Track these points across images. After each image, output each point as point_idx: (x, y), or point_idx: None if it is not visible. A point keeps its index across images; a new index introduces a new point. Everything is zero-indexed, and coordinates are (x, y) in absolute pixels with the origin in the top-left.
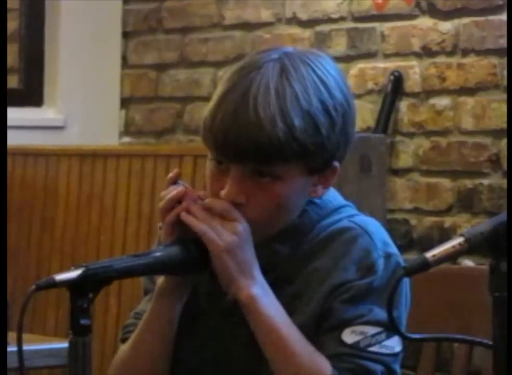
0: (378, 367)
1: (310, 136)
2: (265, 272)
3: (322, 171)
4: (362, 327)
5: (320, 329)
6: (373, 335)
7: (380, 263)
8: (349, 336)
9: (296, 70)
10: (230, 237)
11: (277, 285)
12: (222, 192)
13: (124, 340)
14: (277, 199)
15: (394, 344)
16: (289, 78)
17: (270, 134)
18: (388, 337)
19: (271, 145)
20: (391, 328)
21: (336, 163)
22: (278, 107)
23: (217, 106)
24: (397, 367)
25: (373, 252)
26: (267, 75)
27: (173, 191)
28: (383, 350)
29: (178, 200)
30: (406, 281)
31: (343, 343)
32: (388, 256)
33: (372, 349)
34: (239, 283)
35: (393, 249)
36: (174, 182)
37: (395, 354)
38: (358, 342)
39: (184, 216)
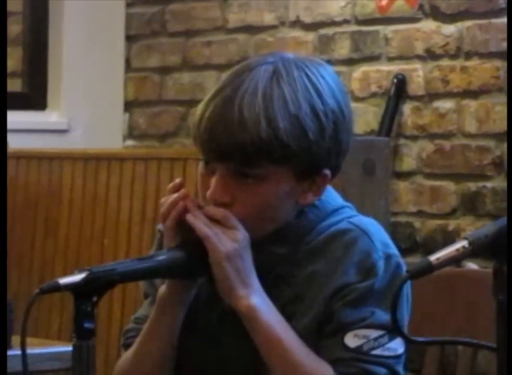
0: (382, 371)
1: (296, 139)
2: (263, 273)
3: (311, 178)
4: (365, 330)
5: (322, 333)
6: (376, 338)
7: (381, 264)
8: (352, 340)
9: (288, 73)
10: (231, 244)
11: (275, 286)
12: (208, 192)
13: (126, 346)
14: (261, 201)
15: (397, 346)
16: (279, 81)
17: (253, 134)
18: (391, 339)
19: (253, 145)
20: (393, 330)
21: (326, 171)
22: (263, 108)
23: (206, 105)
24: (400, 369)
25: (373, 254)
26: (257, 77)
27: (174, 196)
28: (386, 353)
29: (178, 204)
30: (407, 284)
31: (346, 347)
32: (388, 257)
33: (375, 352)
34: (238, 292)
35: (393, 249)
36: (177, 191)
37: (398, 356)
38: (361, 346)
39: (190, 218)
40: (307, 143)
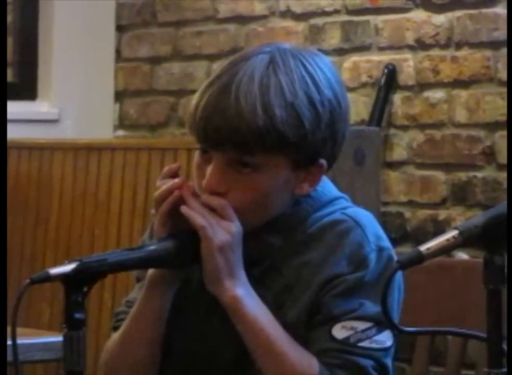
0: (368, 363)
1: (292, 127)
2: (256, 263)
3: (307, 167)
4: (353, 322)
5: (310, 324)
6: (363, 330)
7: (372, 257)
8: (339, 331)
9: (285, 63)
10: (224, 236)
11: (267, 276)
12: (204, 182)
13: (115, 328)
14: (257, 190)
15: (385, 339)
16: (276, 69)
17: (250, 122)
18: (379, 332)
19: (250, 133)
20: (382, 322)
21: (322, 161)
22: (260, 96)
23: (202, 94)
24: (388, 361)
25: (365, 246)
26: (254, 66)
27: (170, 182)
28: (374, 345)
29: (173, 192)
30: (399, 275)
31: (333, 338)
32: (380, 250)
33: (362, 344)
34: (224, 283)
35: (386, 243)
36: (173, 175)
37: (385, 349)
38: (348, 337)
39: (184, 209)
40: (303, 132)
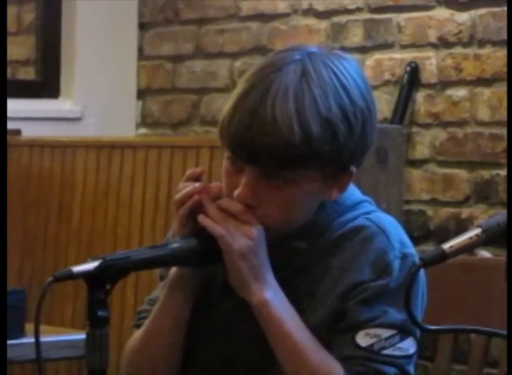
0: (392, 370)
1: (327, 143)
2: (280, 268)
3: (338, 175)
4: (376, 329)
5: (334, 330)
6: (387, 338)
7: (396, 264)
8: (363, 338)
9: (318, 73)
10: (244, 241)
11: (291, 281)
12: (236, 193)
13: (138, 326)
14: (289, 203)
15: (408, 346)
16: (309, 81)
17: (287, 138)
18: (402, 339)
19: (286, 149)
20: (405, 330)
21: (353, 168)
22: (295, 111)
23: (235, 105)
24: (411, 369)
25: (389, 253)
26: (287, 78)
27: (191, 186)
28: (397, 353)
29: (193, 196)
30: (423, 280)
31: (357, 346)
32: (404, 257)
33: (386, 352)
34: (251, 287)
35: (410, 249)
36: (196, 178)
37: (409, 356)
38: (372, 345)
39: (202, 219)
40: (338, 146)
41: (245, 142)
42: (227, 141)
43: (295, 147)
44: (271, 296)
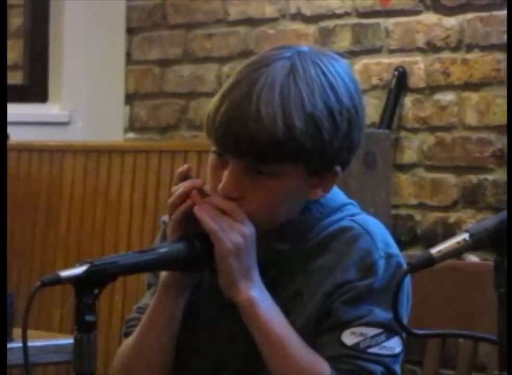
0: (378, 369)
1: (311, 138)
2: (265, 270)
3: (322, 174)
4: (362, 328)
5: (319, 330)
6: (373, 336)
7: (381, 263)
8: (349, 337)
9: (305, 70)
10: (237, 238)
11: (277, 282)
12: (219, 186)
13: (127, 334)
14: (272, 197)
15: (394, 345)
16: (296, 78)
17: (270, 132)
18: (388, 338)
19: (269, 143)
20: (391, 329)
21: (337, 168)
22: (280, 106)
23: (221, 99)
24: (397, 368)
25: (374, 253)
26: (275, 73)
27: (182, 187)
28: (383, 351)
29: (186, 197)
30: (407, 281)
31: (342, 344)
32: (389, 257)
33: (372, 350)
34: (239, 285)
35: (394, 249)
36: (185, 177)
37: (395, 355)
38: (358, 343)
39: (197, 211)
40: (321, 142)
41: (229, 134)
42: (212, 134)
43: (277, 141)
44: (257, 294)
